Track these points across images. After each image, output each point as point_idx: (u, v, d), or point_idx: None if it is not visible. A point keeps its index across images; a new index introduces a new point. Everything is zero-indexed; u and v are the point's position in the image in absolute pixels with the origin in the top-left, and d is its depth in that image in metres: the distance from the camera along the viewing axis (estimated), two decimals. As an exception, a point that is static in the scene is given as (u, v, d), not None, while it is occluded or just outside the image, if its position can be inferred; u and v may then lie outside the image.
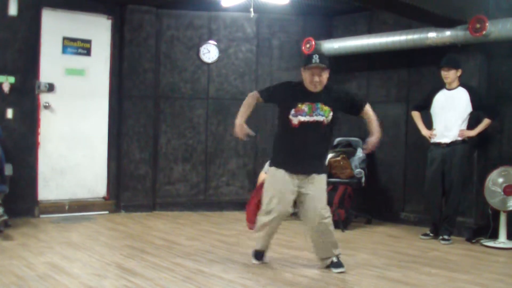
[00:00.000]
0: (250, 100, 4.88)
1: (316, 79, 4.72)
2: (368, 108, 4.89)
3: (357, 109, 4.91)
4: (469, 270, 5.01)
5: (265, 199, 4.93)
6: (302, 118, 4.75)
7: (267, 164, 7.56)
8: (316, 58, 4.70)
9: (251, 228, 5.31)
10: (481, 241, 6.13)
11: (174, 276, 4.56)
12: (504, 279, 4.73)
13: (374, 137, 4.84)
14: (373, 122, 4.87)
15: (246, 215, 5.61)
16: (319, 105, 4.75)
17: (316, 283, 4.49)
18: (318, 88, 4.77)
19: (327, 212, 4.84)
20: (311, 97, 4.77)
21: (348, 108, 4.92)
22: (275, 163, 4.94)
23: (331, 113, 4.78)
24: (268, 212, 4.89)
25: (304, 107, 4.75)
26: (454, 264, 5.21)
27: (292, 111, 4.75)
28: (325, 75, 4.76)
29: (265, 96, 4.92)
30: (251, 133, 4.85)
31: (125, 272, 4.65)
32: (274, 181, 4.89)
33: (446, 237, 6.19)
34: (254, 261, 5.10)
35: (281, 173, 4.84)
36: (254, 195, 5.59)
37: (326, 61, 4.74)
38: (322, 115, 4.75)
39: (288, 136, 4.87)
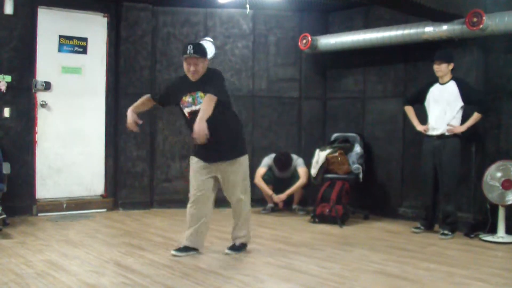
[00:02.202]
0: (144, 97, 5.08)
1: (192, 69, 4.91)
2: (208, 97, 4.75)
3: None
4: (468, 265, 5.00)
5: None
6: (189, 109, 4.98)
7: (265, 158, 7.62)
8: (190, 48, 4.87)
9: None
10: (480, 235, 6.13)
11: (172, 273, 4.55)
12: (502, 274, 4.73)
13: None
14: (201, 109, 4.78)
15: None
16: (199, 93, 4.94)
17: (314, 279, 4.48)
18: (195, 77, 4.95)
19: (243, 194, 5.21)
20: (192, 87, 4.97)
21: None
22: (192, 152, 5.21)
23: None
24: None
25: (188, 98, 4.98)
26: (453, 259, 5.21)
27: (181, 105, 5.02)
28: (201, 64, 4.93)
29: (156, 96, 5.12)
30: (139, 121, 5.03)
31: (123, 269, 4.64)
32: (192, 169, 5.18)
33: (446, 232, 6.17)
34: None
35: (194, 160, 5.16)
36: None
37: (200, 51, 4.93)
38: None
39: (188, 127, 5.06)
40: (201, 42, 7.79)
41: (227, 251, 5.26)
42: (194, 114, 4.83)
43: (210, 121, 4.69)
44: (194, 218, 5.16)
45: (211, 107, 4.72)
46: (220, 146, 5.02)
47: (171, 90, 5.15)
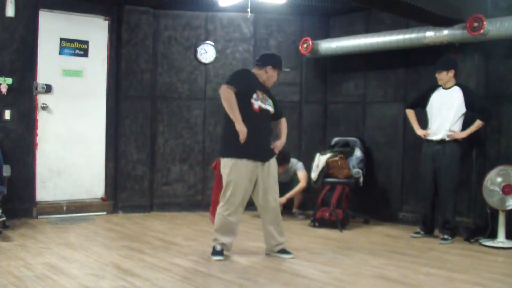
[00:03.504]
0: (230, 95, 5.01)
1: (275, 80, 5.38)
2: (284, 120, 5.47)
3: (277, 116, 5.41)
4: (468, 270, 5.00)
5: (226, 191, 5.12)
6: (259, 103, 5.14)
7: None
8: (283, 63, 5.41)
9: (213, 222, 5.34)
10: (480, 240, 6.12)
11: (172, 277, 4.55)
12: (503, 279, 4.72)
13: (281, 141, 5.35)
14: (285, 133, 5.42)
15: (212, 210, 5.50)
16: (269, 100, 5.29)
17: (314, 283, 4.48)
18: (270, 86, 5.38)
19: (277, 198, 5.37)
20: (265, 92, 5.29)
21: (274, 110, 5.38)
22: (235, 153, 5.08)
23: (274, 107, 5.33)
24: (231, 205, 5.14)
25: (260, 94, 5.16)
26: (453, 264, 5.21)
27: (254, 95, 5.11)
28: None
29: (237, 85, 5.07)
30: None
31: (122, 273, 4.64)
32: (237, 172, 5.08)
33: (446, 236, 6.17)
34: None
35: (243, 163, 5.06)
36: (216, 190, 5.49)
37: None
38: (271, 106, 5.28)
39: (250, 120, 5.05)
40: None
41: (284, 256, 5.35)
42: (262, 111, 5.15)
43: (268, 124, 5.28)
44: (234, 226, 5.22)
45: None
46: (268, 145, 5.28)
47: (248, 80, 5.23)
